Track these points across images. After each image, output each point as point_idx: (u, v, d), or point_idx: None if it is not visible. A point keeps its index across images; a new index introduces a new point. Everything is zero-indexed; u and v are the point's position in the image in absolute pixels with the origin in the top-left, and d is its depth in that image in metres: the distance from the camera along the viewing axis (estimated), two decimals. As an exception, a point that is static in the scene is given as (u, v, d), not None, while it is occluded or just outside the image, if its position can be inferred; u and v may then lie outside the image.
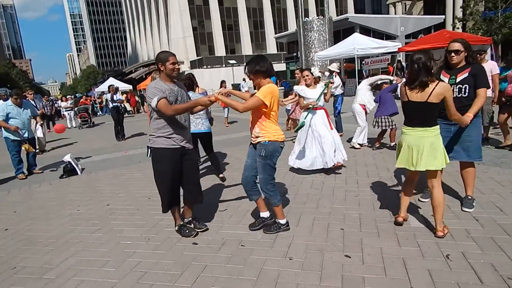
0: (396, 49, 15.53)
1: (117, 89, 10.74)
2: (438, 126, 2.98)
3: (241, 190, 4.56)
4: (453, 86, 3.32)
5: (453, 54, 3.36)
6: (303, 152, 5.17)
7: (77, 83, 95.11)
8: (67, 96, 20.73)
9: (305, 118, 5.09)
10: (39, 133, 6.65)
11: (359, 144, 6.59)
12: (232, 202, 4.23)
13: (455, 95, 3.28)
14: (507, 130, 5.74)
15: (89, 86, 71.29)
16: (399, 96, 3.17)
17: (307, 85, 5.14)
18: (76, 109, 16.76)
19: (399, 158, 3.11)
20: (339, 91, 7.89)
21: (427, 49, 2.99)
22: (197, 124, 4.95)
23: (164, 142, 3.17)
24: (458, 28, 25.11)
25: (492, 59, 14.29)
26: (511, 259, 2.54)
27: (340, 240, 3.05)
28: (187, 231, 3.37)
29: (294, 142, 5.43)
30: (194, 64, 48.58)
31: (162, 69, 3.16)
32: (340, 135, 7.79)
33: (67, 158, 6.45)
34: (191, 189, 3.39)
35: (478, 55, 6.06)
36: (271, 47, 54.85)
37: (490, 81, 5.86)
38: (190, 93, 4.80)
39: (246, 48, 54.27)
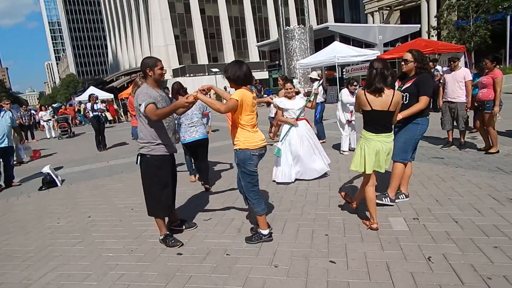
0: (375, 57, 15.92)
1: (96, 99, 10.55)
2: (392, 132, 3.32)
3: (227, 198, 4.58)
4: None
5: (402, 62, 3.76)
6: (288, 167, 5.07)
7: (56, 92, 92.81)
8: (47, 106, 20.18)
9: (281, 140, 5.06)
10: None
11: (343, 151, 6.71)
12: (217, 211, 4.20)
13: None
14: (485, 133, 5.92)
15: (69, 95, 69.68)
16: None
17: (289, 98, 5.14)
18: (55, 119, 16.34)
19: (369, 163, 3.25)
20: (320, 99, 8.01)
21: (385, 59, 3.32)
22: (192, 132, 4.90)
23: (163, 149, 3.27)
24: (433, 36, 25.98)
25: (465, 66, 14.86)
26: (490, 260, 2.62)
27: (325, 246, 3.07)
28: (172, 241, 3.33)
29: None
30: (176, 73, 48.34)
31: (150, 74, 3.21)
32: (323, 142, 7.89)
33: (46, 169, 6.27)
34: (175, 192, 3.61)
35: (452, 62, 6.31)
36: (254, 55, 55.22)
37: (463, 87, 6.10)
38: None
39: (229, 56, 54.41)
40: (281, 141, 5.07)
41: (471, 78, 6.16)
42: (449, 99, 6.23)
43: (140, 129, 3.25)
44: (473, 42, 21.08)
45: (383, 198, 3.77)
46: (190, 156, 5.33)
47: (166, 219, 3.55)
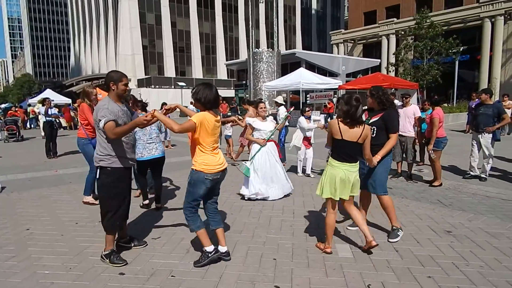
0: (337, 86, 16.68)
1: (50, 103, 10.08)
2: (358, 162, 3.46)
3: (178, 217, 4.48)
4: None
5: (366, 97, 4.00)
6: (263, 182, 5.22)
7: (8, 92, 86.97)
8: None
9: (250, 159, 5.28)
10: None
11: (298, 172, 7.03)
12: (167, 229, 4.10)
13: None
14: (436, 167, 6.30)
15: (22, 96, 65.70)
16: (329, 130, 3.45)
17: (262, 117, 5.46)
18: (2, 120, 15.27)
19: (327, 189, 3.38)
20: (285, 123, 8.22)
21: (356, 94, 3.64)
22: (151, 149, 4.77)
23: (123, 162, 3.23)
24: (390, 71, 27.77)
25: (418, 102, 15.97)
26: (423, 289, 2.77)
27: (272, 270, 3.09)
28: (117, 258, 3.22)
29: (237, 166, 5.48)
30: (141, 83, 47.38)
31: (113, 88, 3.20)
32: (283, 165, 8.01)
33: (-16, 175, 5.81)
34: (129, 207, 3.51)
35: (404, 98, 6.79)
36: (222, 73, 55.65)
37: (413, 122, 6.56)
38: (142, 115, 4.68)
39: (197, 71, 54.43)
40: (250, 159, 5.24)
41: (419, 115, 6.64)
42: (400, 133, 6.63)
43: (99, 141, 3.20)
44: (426, 80, 22.81)
45: (397, 233, 3.78)
46: (143, 175, 4.99)
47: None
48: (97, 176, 3.23)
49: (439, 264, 3.18)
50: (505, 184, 6.14)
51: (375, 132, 3.81)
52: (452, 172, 7.14)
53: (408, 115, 6.56)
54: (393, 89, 12.87)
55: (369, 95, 3.92)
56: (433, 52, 22.97)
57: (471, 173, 6.63)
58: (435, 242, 3.70)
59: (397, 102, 11.15)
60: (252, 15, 26.01)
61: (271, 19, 27.03)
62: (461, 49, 23.43)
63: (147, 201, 4.92)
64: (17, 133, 14.52)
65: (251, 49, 24.04)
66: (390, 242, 3.71)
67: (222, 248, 3.25)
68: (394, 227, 3.84)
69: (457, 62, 23.85)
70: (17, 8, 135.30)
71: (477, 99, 10.84)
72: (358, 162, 3.47)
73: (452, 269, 3.09)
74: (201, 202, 3.24)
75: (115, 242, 3.39)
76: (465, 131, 13.32)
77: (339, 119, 3.38)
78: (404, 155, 6.72)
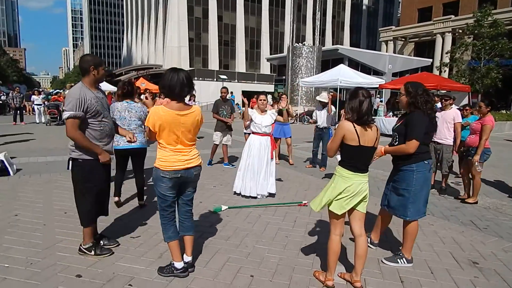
0: (377, 85, 15.60)
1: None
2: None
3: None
4: None
5: (398, 95, 3.31)
6: (247, 177, 5.09)
7: (67, 78, 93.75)
8: (40, 91, 20.02)
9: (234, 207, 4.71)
10: None
11: None
12: (152, 228, 3.80)
13: (391, 142, 3.24)
14: (468, 181, 5.46)
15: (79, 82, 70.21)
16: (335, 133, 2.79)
17: (261, 110, 5.26)
18: (46, 104, 16.13)
19: (344, 205, 2.70)
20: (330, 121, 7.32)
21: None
22: None
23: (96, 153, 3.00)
24: (445, 71, 25.58)
25: (474, 107, 14.46)
26: (423, 337, 2.20)
27: (243, 290, 2.66)
28: (101, 249, 3.13)
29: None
30: (185, 74, 48.32)
31: (94, 73, 2.98)
32: (322, 170, 7.31)
33: (0, 156, 5.94)
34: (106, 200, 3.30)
35: (443, 101, 5.95)
36: (265, 68, 55.26)
37: (451, 129, 5.72)
38: (125, 103, 4.39)
39: (240, 65, 54.53)
40: (231, 207, 4.63)
41: (460, 120, 5.78)
42: (436, 140, 5.82)
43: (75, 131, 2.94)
44: (483, 84, 20.67)
45: (399, 260, 3.18)
46: (121, 168, 4.58)
47: None
48: (69, 168, 3.04)
49: (450, 307, 2.56)
50: (561, 208, 5.15)
51: (397, 139, 3.13)
52: (497, 189, 6.19)
53: (447, 119, 5.73)
54: (439, 91, 11.67)
55: (403, 93, 3.13)
56: (493, 53, 20.75)
57: (520, 191, 5.68)
58: (454, 275, 3.03)
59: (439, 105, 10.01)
60: (294, 8, 25.29)
61: (319, 14, 26.06)
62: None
63: (116, 198, 4.52)
64: (59, 117, 15.25)
65: (290, 44, 23.40)
66: (384, 262, 3.16)
67: (186, 258, 2.88)
68: (401, 253, 3.21)
69: (520, 65, 21.43)
70: (80, 0, 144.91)
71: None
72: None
73: (466, 316, 2.46)
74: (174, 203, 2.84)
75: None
76: (522, 142, 11.82)
77: (353, 121, 2.67)
78: (438, 165, 5.91)
